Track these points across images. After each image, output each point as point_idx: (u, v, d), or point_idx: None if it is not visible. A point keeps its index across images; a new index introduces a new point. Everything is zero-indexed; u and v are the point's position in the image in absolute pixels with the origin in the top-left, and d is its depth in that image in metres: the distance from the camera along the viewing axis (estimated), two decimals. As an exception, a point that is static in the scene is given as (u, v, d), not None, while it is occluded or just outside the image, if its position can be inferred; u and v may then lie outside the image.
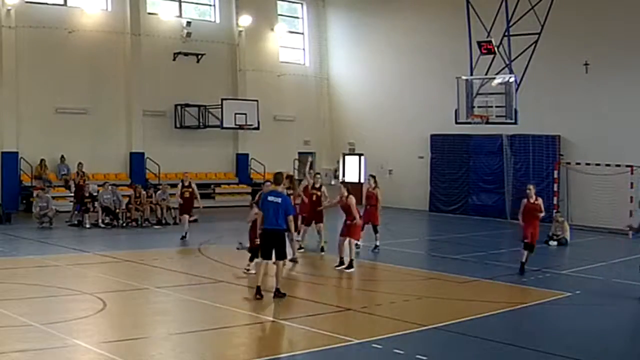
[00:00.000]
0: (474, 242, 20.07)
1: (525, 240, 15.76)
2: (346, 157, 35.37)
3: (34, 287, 13.22)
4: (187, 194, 20.83)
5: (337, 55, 35.30)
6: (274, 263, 12.87)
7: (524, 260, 15.83)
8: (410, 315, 11.89)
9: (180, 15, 31.22)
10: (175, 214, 23.49)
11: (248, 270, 14.70)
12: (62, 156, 27.37)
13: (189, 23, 30.65)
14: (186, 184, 20.93)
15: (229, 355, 9.70)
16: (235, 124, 29.97)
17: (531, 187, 16.23)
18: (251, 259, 14.55)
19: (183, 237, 20.14)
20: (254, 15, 32.59)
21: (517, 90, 21.87)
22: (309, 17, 35.46)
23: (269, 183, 13.67)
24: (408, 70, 31.62)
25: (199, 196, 21.36)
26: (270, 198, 12.69)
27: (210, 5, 32.49)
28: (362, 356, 9.77)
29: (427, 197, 30.94)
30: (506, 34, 22.04)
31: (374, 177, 19.29)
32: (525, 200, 16.03)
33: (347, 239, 15.84)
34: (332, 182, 33.84)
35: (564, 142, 26.70)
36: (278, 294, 12.64)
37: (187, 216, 20.71)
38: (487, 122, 23.23)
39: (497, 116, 22.47)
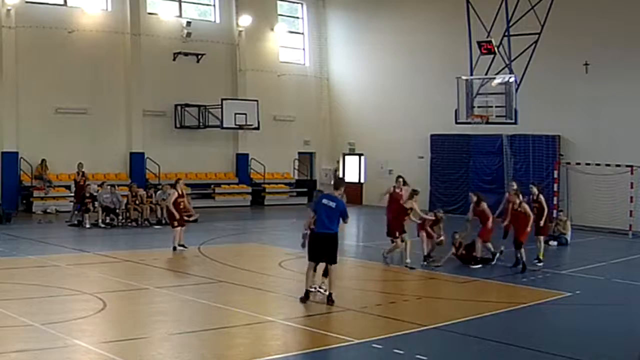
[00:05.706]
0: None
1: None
2: (346, 157, 35.38)
3: (34, 287, 13.20)
4: (181, 204, 18.46)
5: (337, 55, 35.29)
6: (315, 268, 12.79)
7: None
8: (410, 315, 11.89)
9: (180, 15, 31.23)
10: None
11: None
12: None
13: (189, 23, 30.68)
14: (180, 191, 18.46)
15: (229, 355, 9.69)
16: (235, 124, 29.99)
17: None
18: None
19: (181, 247, 18.03)
20: (254, 15, 32.60)
21: (517, 90, 21.86)
22: (309, 17, 35.46)
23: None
24: (408, 70, 31.61)
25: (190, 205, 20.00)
26: (324, 201, 12.53)
27: (210, 5, 32.50)
28: (362, 356, 9.76)
29: (427, 197, 30.86)
30: (506, 34, 22.04)
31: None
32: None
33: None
34: (332, 182, 33.87)
35: (564, 142, 26.70)
36: (331, 300, 12.40)
37: (181, 228, 18.12)
38: (487, 122, 23.23)
39: (497, 116, 22.46)
